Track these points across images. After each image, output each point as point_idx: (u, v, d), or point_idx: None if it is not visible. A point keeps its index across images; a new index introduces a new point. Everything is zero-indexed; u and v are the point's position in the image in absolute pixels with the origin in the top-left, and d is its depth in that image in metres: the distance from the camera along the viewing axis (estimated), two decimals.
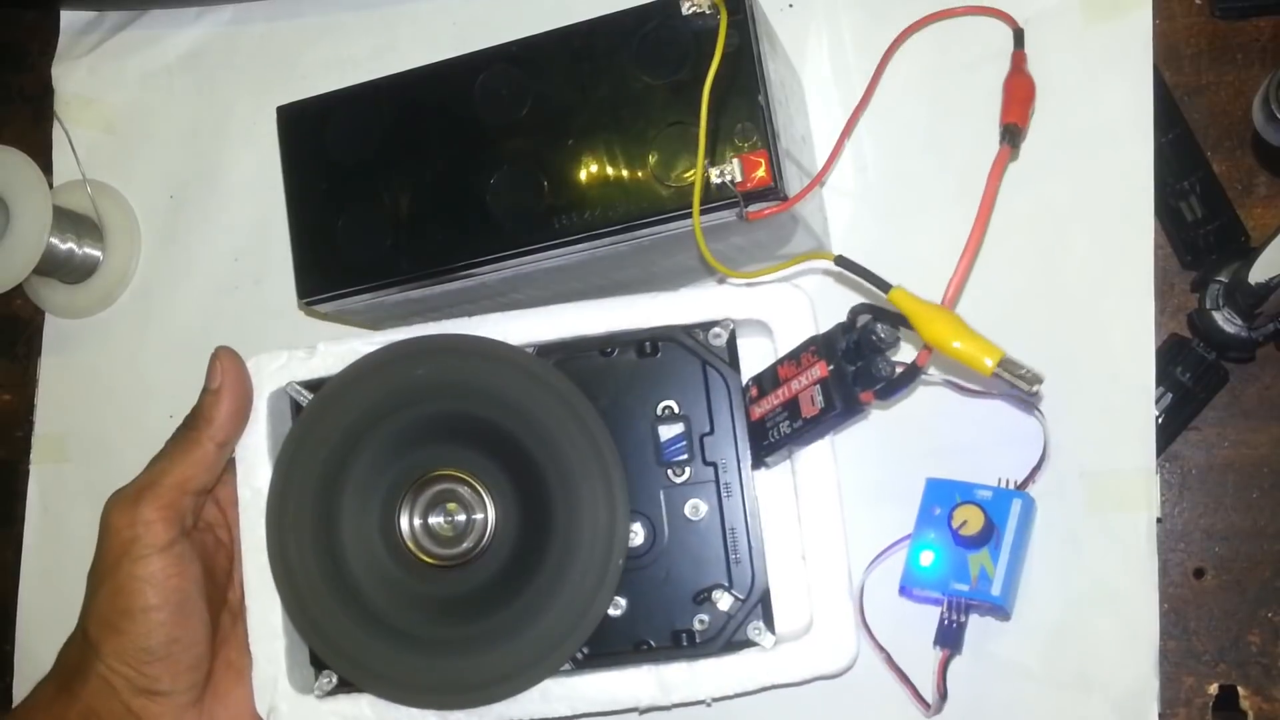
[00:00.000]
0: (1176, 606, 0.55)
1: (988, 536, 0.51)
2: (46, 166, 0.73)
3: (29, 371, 0.73)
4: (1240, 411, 0.56)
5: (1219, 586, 0.55)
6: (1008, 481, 0.53)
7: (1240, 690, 0.54)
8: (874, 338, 0.46)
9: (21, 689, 0.68)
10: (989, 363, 0.42)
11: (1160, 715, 0.53)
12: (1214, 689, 0.54)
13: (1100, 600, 0.53)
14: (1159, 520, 0.54)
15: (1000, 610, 0.52)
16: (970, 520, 0.51)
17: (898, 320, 0.45)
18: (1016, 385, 0.42)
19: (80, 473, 0.70)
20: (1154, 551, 0.53)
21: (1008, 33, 0.55)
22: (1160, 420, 0.55)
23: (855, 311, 0.48)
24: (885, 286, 0.45)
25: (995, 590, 0.51)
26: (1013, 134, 0.50)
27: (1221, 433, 0.56)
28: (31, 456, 0.71)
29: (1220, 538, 0.55)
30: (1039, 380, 0.41)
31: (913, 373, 0.46)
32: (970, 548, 0.51)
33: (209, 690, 0.54)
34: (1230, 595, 0.55)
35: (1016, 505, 0.52)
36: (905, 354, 0.53)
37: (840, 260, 0.46)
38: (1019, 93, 0.52)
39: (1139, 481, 0.53)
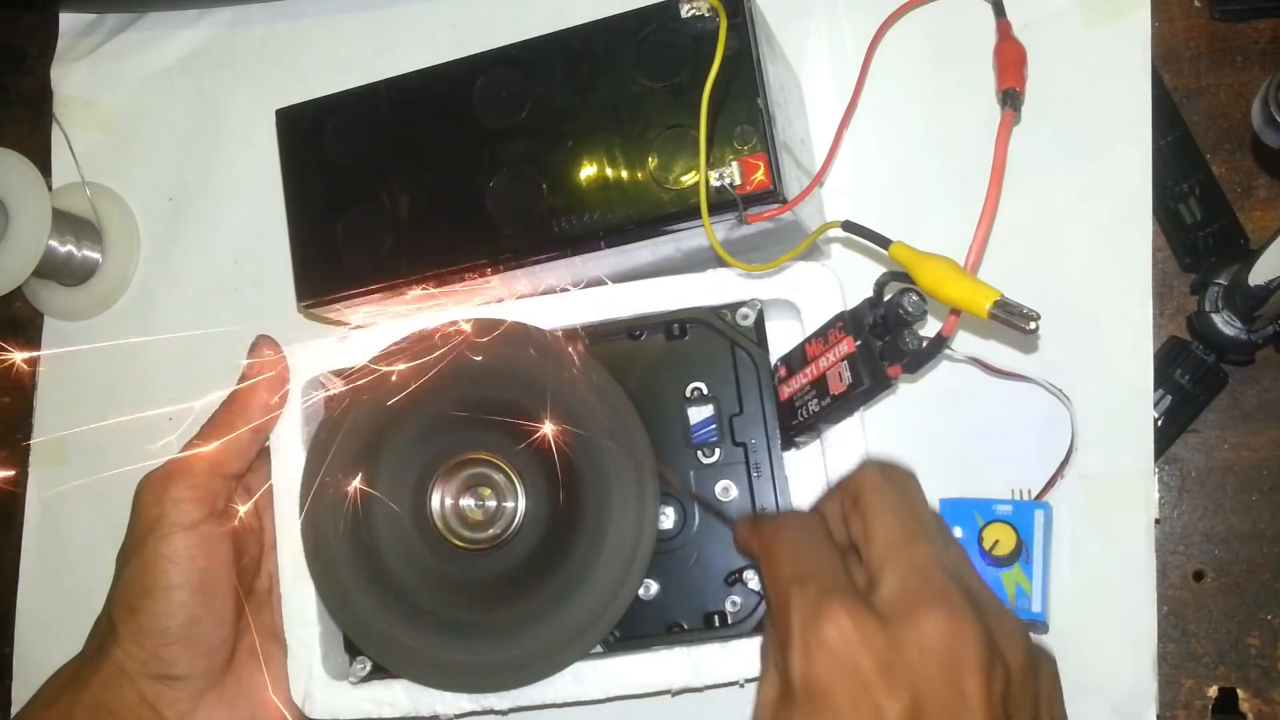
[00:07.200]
0: (1176, 609, 0.55)
1: (1018, 553, 0.51)
2: (45, 169, 0.72)
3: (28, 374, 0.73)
4: (1239, 414, 0.56)
5: (1218, 589, 0.55)
6: (1022, 492, 0.53)
7: (1240, 693, 0.54)
8: (901, 310, 0.46)
9: (21, 693, 0.68)
10: (986, 304, 0.42)
11: (1159, 718, 0.53)
12: (1213, 691, 0.54)
13: (1099, 602, 0.53)
14: (1157, 522, 0.54)
15: (1040, 625, 0.52)
16: (1002, 540, 0.51)
17: (907, 279, 0.45)
18: (1015, 325, 0.42)
19: (79, 475, 0.70)
20: (1152, 554, 0.53)
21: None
22: (1159, 422, 0.54)
23: (880, 283, 0.47)
24: (886, 243, 0.45)
25: (1036, 607, 0.51)
26: (1013, 98, 0.50)
27: (1221, 435, 0.56)
28: (30, 459, 0.71)
29: (1219, 540, 0.55)
30: (1036, 317, 0.41)
31: (939, 343, 0.45)
32: (1001, 566, 0.51)
33: (230, 676, 0.54)
34: (1229, 598, 0.55)
35: (1039, 517, 0.51)
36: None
37: (847, 225, 0.47)
38: (1009, 57, 0.52)
39: (1137, 484, 0.53)
